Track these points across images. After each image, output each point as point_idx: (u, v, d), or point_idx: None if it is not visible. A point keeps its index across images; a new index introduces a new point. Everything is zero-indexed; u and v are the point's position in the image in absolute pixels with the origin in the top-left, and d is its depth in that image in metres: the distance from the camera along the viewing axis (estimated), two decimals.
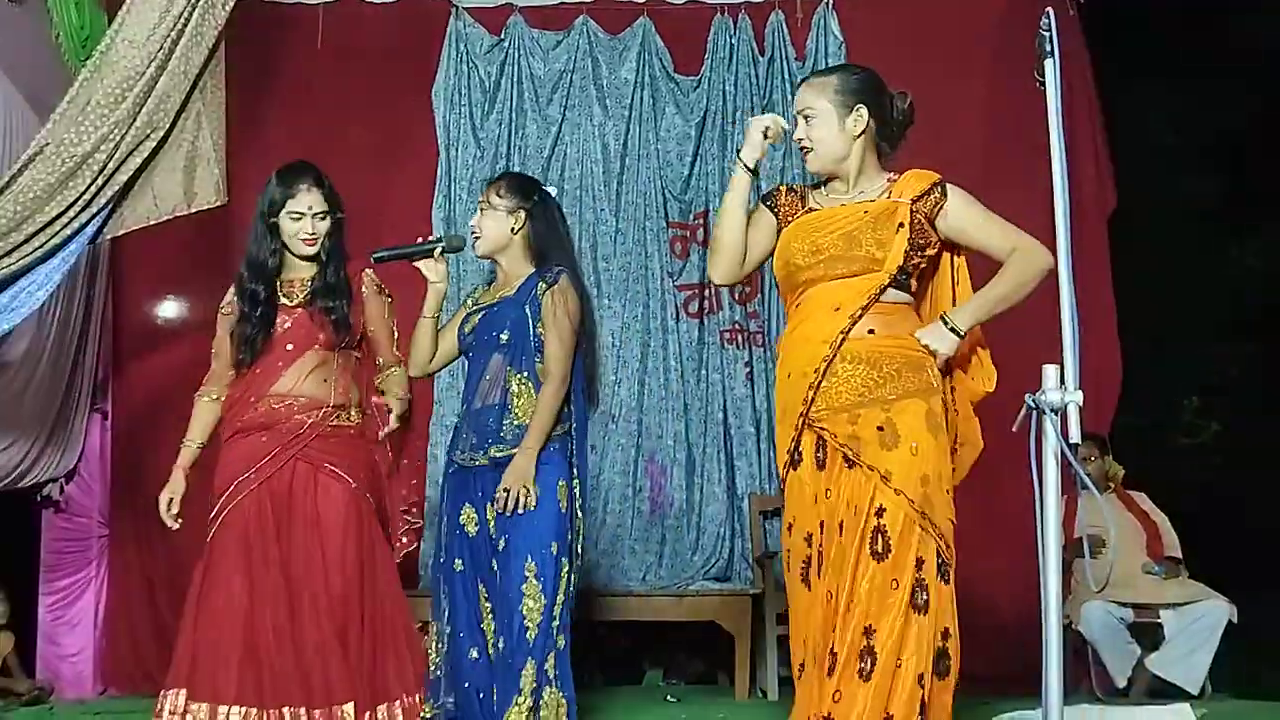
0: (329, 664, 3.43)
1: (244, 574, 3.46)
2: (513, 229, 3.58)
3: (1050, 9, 2.50)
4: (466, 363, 3.67)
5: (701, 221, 6.12)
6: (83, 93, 4.01)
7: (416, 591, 5.08)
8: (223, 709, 3.35)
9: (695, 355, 6.06)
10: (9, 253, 3.97)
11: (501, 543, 3.38)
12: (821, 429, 2.91)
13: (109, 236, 4.37)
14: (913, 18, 6.10)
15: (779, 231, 3.12)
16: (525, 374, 3.47)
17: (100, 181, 4.00)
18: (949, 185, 3.04)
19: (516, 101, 6.16)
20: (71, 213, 4.04)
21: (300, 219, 3.62)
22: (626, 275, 6.08)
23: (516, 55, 6.18)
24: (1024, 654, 5.36)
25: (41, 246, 4.00)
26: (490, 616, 3.44)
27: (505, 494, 3.36)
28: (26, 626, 5.60)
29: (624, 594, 5.59)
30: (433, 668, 3.53)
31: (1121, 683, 5.25)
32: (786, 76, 6.11)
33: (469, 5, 6.21)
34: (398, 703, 3.55)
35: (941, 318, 2.97)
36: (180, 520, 3.60)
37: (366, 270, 3.71)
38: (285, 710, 3.37)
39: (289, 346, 3.61)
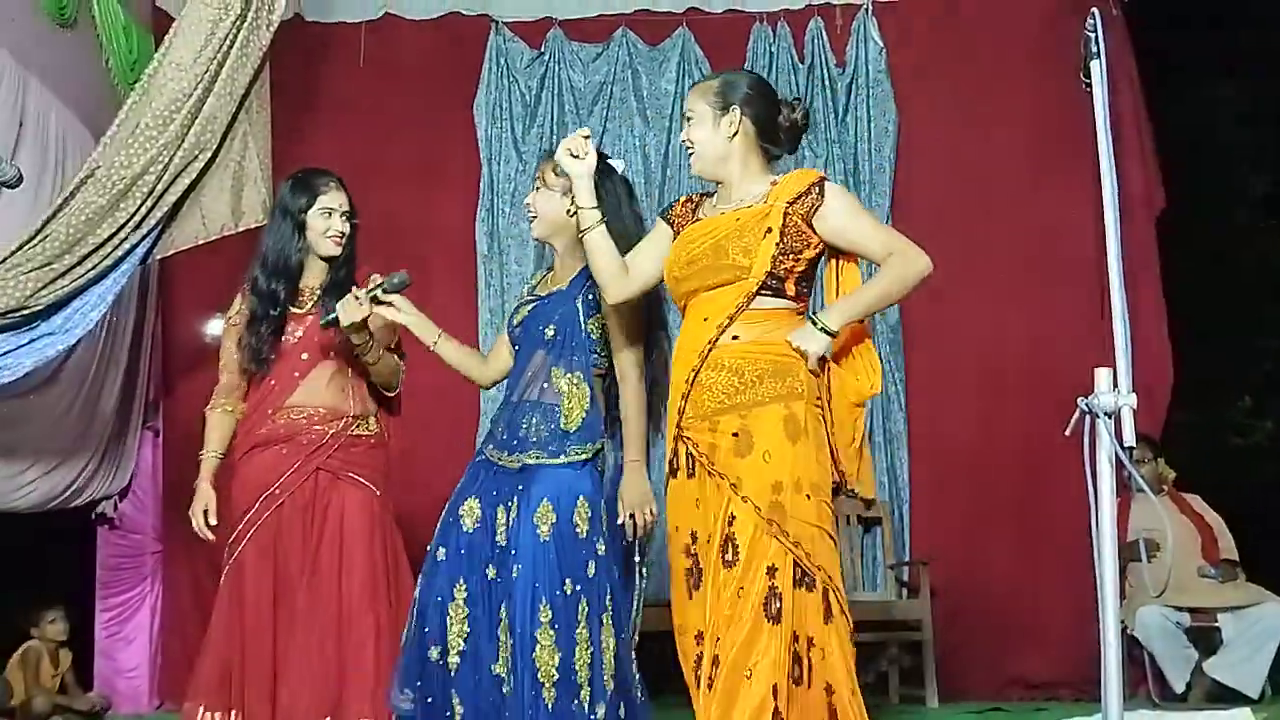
0: (352, 676, 3.39)
1: (270, 588, 3.43)
2: (569, 210, 3.18)
3: (1095, 9, 2.47)
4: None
5: None
6: (132, 116, 4.07)
7: None
8: None
9: None
10: (63, 274, 4.04)
11: (515, 569, 3.02)
12: (687, 439, 2.90)
13: (159, 257, 4.43)
14: (953, 22, 6.09)
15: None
16: (578, 374, 3.16)
17: (150, 203, 4.06)
18: (829, 185, 2.95)
19: (557, 114, 6.19)
20: (123, 234, 4.10)
21: (330, 215, 3.55)
22: None
23: (557, 68, 6.21)
24: (1077, 660, 5.37)
25: (94, 268, 4.06)
26: (465, 622, 3.09)
27: (631, 520, 3.09)
28: (84, 643, 5.67)
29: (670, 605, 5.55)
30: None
31: (1179, 688, 5.18)
32: (827, 84, 6.11)
33: (509, 20, 6.25)
34: None
35: (810, 317, 2.87)
36: (215, 532, 3.55)
37: (373, 274, 3.54)
38: None
39: (304, 356, 3.54)
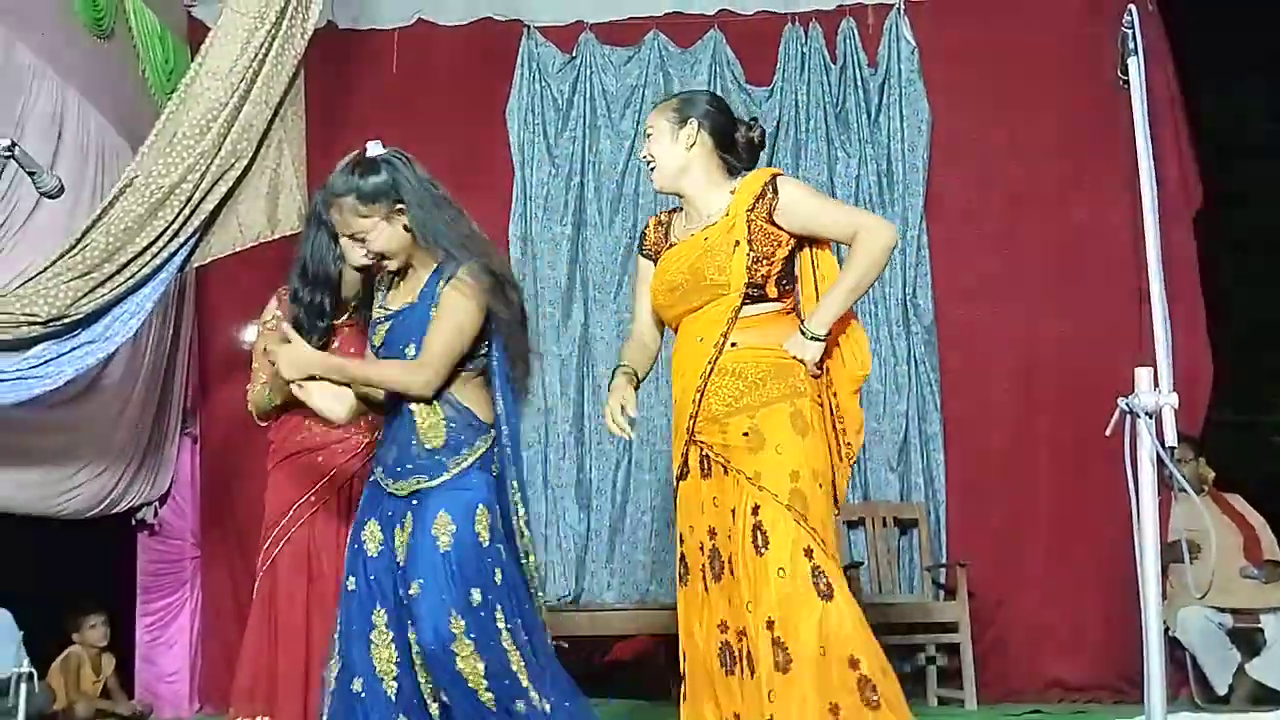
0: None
1: (304, 595, 3.44)
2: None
3: (1132, 6, 2.46)
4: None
5: None
6: (169, 125, 4.11)
7: None
8: None
9: None
10: (102, 283, 4.08)
11: (414, 586, 2.84)
12: (701, 442, 3.00)
13: (197, 265, 4.47)
14: (985, 20, 6.05)
15: None
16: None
17: (187, 211, 4.09)
18: (780, 179, 3.03)
19: (590, 118, 6.20)
20: (161, 242, 4.13)
21: None
22: None
23: (589, 72, 6.22)
24: (1116, 663, 5.33)
25: (133, 276, 4.10)
26: (391, 647, 2.92)
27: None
28: (126, 648, 5.72)
29: None
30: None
31: (1222, 690, 5.14)
32: (860, 84, 6.09)
33: (541, 24, 6.26)
34: None
35: (800, 328, 2.99)
36: (249, 539, 3.52)
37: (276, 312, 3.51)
38: None
39: None
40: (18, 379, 4.05)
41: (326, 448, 3.51)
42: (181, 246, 4.18)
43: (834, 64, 6.13)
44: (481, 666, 2.80)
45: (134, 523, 5.69)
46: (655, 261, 3.17)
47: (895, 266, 5.79)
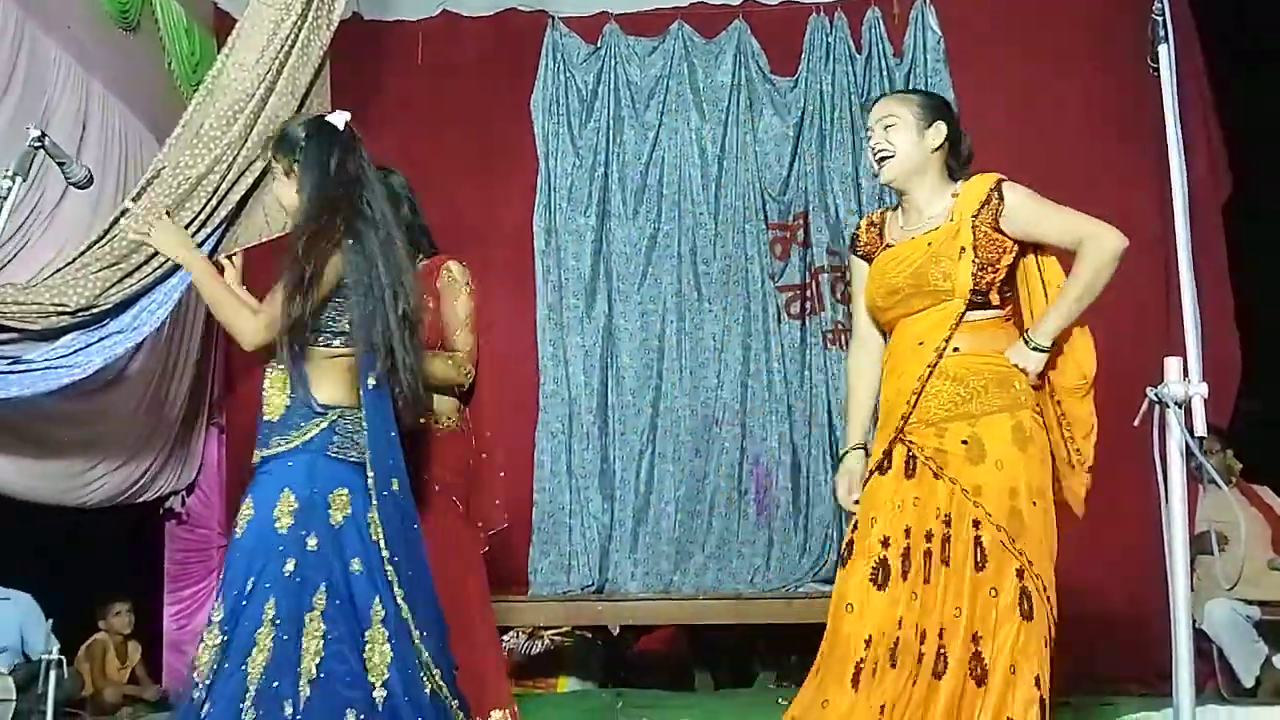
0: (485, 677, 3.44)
1: None
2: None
3: None
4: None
5: (801, 222, 6.09)
6: (196, 117, 4.12)
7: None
8: None
9: (798, 357, 6.03)
10: (130, 274, 4.10)
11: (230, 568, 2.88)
12: (910, 442, 2.97)
13: (223, 255, 4.48)
14: (1011, 8, 6.02)
15: None
16: (283, 357, 2.98)
17: (214, 202, 4.10)
18: (1006, 185, 2.99)
19: (614, 109, 6.20)
20: (188, 233, 4.14)
21: None
22: (727, 278, 6.07)
23: (613, 63, 6.22)
24: (1143, 654, 5.29)
25: (160, 267, 4.11)
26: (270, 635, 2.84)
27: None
28: (153, 636, 5.77)
29: (733, 597, 5.60)
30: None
31: (1249, 682, 5.11)
32: (885, 74, 6.06)
33: (565, 15, 6.27)
34: (498, 712, 3.53)
35: (1024, 337, 2.95)
36: None
37: (449, 262, 3.60)
38: None
39: None
40: (46, 368, 4.07)
41: None
42: (208, 237, 4.18)
43: (859, 54, 6.11)
44: (208, 656, 2.78)
45: (161, 511, 5.73)
46: (869, 262, 3.15)
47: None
